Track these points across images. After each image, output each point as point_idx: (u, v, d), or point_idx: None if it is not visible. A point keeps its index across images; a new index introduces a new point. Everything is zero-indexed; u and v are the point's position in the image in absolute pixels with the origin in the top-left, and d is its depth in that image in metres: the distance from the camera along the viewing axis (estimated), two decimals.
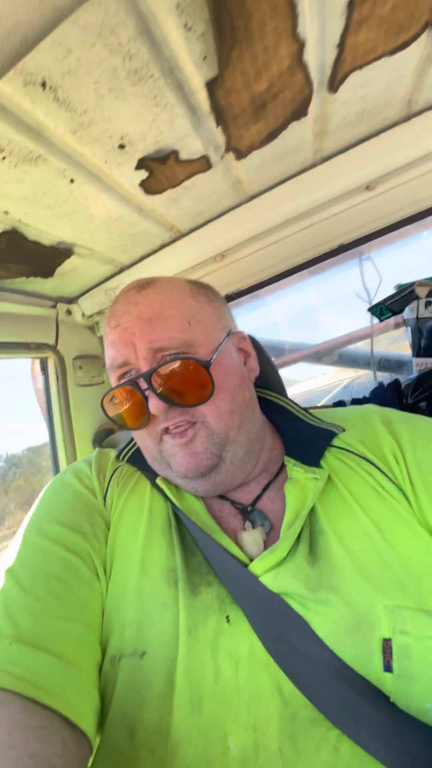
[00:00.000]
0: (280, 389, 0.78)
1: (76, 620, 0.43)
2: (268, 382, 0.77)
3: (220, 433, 0.51)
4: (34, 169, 0.50)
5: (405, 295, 0.89)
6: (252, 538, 0.49)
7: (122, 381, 0.52)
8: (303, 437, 0.59)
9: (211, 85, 0.47)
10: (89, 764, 0.39)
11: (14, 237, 0.63)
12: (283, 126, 0.60)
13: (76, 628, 0.43)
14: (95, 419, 0.97)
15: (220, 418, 0.51)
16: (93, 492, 0.55)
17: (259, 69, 0.47)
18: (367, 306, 0.94)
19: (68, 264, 0.78)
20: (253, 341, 0.81)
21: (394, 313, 0.90)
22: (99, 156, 0.52)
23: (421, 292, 0.93)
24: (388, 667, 0.38)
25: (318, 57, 0.49)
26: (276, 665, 0.40)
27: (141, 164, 0.56)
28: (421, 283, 0.97)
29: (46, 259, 0.72)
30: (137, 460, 0.60)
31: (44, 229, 0.64)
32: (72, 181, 0.55)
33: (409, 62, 0.56)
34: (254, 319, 1.04)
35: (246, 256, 0.87)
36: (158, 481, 0.55)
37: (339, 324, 0.99)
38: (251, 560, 0.46)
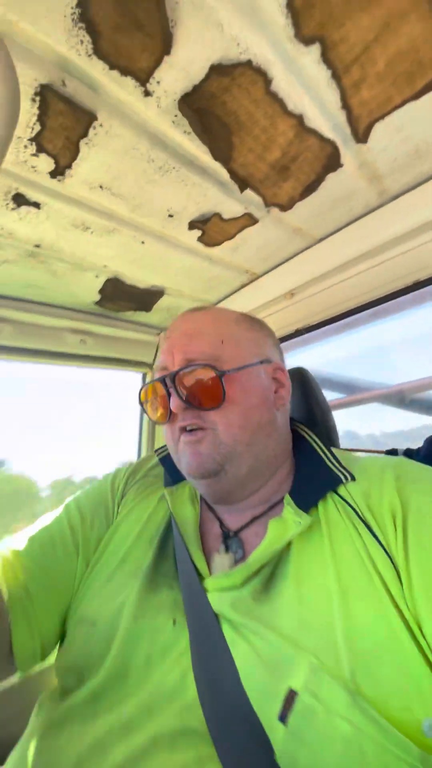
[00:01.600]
0: (326, 427, 0.78)
1: (56, 574, 0.57)
2: (312, 417, 0.79)
3: (226, 443, 0.54)
4: (113, 237, 0.71)
5: None
6: (220, 560, 0.53)
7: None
8: (311, 478, 0.57)
9: (227, 164, 0.59)
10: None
11: (116, 282, 0.87)
12: (319, 179, 0.65)
13: (53, 581, 0.56)
14: None
15: (228, 429, 0.54)
16: (114, 494, 0.67)
17: (264, 144, 0.56)
18: None
19: (163, 301, 0.99)
20: (306, 376, 0.83)
21: None
22: (156, 224, 0.70)
23: None
24: (282, 718, 0.36)
25: (326, 121, 0.54)
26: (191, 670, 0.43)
27: (191, 226, 0.72)
28: None
29: (144, 298, 0.95)
30: (167, 459, 0.68)
31: (136, 277, 0.86)
32: (143, 242, 0.74)
33: None
34: (327, 353, 1.02)
35: (315, 293, 0.91)
36: (166, 491, 0.63)
37: (422, 366, 0.87)
38: None
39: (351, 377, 1.00)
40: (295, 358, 1.04)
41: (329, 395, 0.95)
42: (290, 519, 0.50)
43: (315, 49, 0.45)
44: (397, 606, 0.40)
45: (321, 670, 0.37)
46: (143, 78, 0.45)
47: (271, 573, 0.47)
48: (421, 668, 0.36)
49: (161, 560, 0.55)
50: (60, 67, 0.43)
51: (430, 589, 0.39)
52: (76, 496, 0.68)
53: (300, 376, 0.82)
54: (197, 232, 0.74)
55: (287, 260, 0.89)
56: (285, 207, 0.71)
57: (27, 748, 0.44)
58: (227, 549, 0.55)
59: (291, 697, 0.37)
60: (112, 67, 0.43)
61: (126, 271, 0.83)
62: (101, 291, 0.89)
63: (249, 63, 0.45)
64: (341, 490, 0.53)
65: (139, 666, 0.45)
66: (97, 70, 0.44)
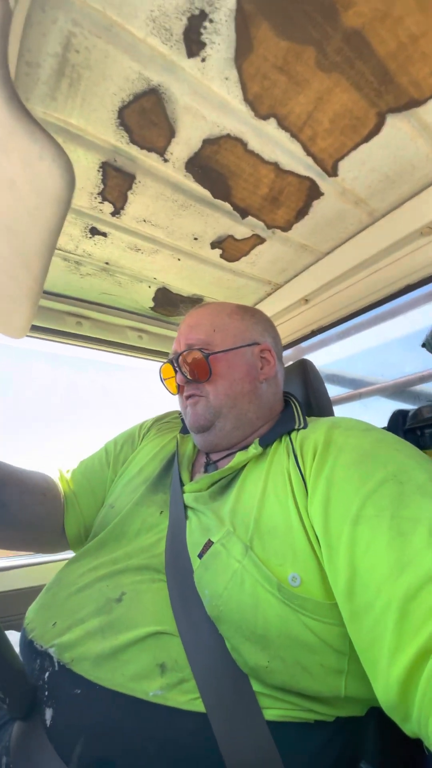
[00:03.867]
0: (323, 411, 0.92)
1: (94, 480, 0.83)
2: (308, 404, 0.93)
3: (215, 406, 0.73)
4: (157, 256, 0.98)
5: None
6: (199, 477, 0.73)
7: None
8: (279, 428, 0.72)
9: (227, 199, 0.81)
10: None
11: (165, 291, 1.14)
12: (307, 206, 0.83)
13: (92, 485, 0.82)
14: None
15: (216, 396, 0.72)
16: (141, 430, 0.92)
17: (254, 183, 0.77)
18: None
19: None
20: (307, 367, 0.99)
21: None
22: (186, 245, 0.94)
23: None
24: (200, 555, 0.55)
25: (297, 164, 0.73)
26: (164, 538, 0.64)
27: (213, 246, 0.95)
28: None
29: (187, 304, 1.20)
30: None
31: (179, 286, 1.12)
32: (179, 259, 0.99)
33: (396, 138, 0.69)
34: (340, 353, 1.13)
35: (325, 299, 1.05)
36: (178, 435, 0.86)
37: (421, 362, 0.92)
38: None
39: (359, 374, 1.10)
40: (312, 355, 1.18)
41: (339, 390, 1.07)
42: (251, 450, 0.67)
43: (272, 121, 0.65)
44: (297, 506, 0.54)
45: (232, 534, 0.54)
46: (161, 152, 0.70)
47: (227, 483, 0.65)
48: (301, 544, 0.51)
49: (164, 475, 0.75)
50: (112, 150, 0.70)
51: (323, 496, 0.52)
52: (120, 432, 0.94)
53: (302, 367, 0.97)
54: (219, 251, 0.97)
55: (302, 272, 1.06)
56: (285, 228, 0.90)
57: (56, 576, 0.68)
58: (206, 471, 0.73)
59: (209, 544, 0.55)
60: (141, 148, 0.69)
61: (171, 282, 1.09)
62: (154, 298, 1.17)
63: (228, 135, 0.67)
64: (293, 435, 0.67)
65: (132, 533, 0.66)
66: (134, 150, 0.70)
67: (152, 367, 1.35)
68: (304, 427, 0.68)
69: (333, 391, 1.06)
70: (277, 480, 0.59)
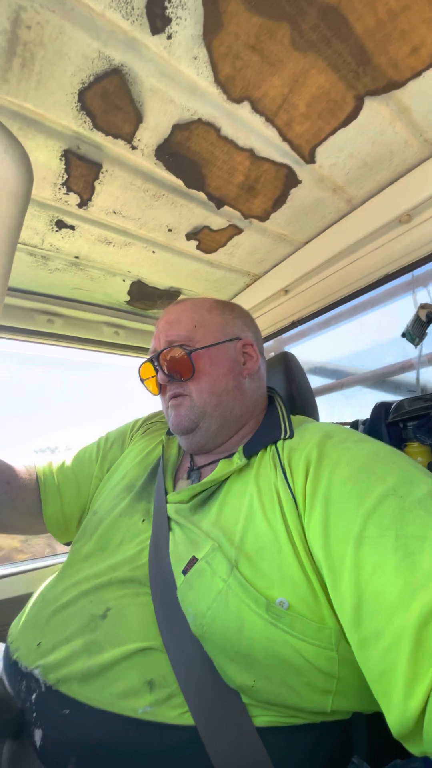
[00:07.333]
0: (306, 406, 0.91)
1: (81, 473, 0.83)
2: (291, 396, 0.92)
3: (199, 406, 0.69)
4: (130, 248, 0.93)
5: (416, 319, 0.77)
6: (181, 485, 0.71)
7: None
8: (264, 434, 0.69)
9: (201, 189, 0.77)
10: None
11: (140, 285, 1.09)
12: (284, 194, 0.80)
13: (78, 477, 0.82)
14: None
15: (200, 395, 0.69)
16: (133, 430, 0.91)
17: (228, 172, 0.73)
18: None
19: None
20: (289, 359, 0.97)
21: (421, 338, 0.80)
22: (161, 237, 0.90)
23: (423, 314, 0.76)
24: (184, 572, 0.53)
25: (273, 151, 0.70)
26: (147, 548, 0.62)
27: (188, 237, 0.90)
28: (423, 306, 0.79)
29: (164, 297, 1.16)
30: None
31: (155, 280, 1.07)
32: (153, 252, 0.95)
33: (375, 122, 0.66)
34: (321, 345, 1.13)
35: (305, 289, 1.03)
36: (164, 437, 0.83)
37: (401, 352, 0.92)
38: None
39: (340, 364, 1.10)
40: (293, 346, 1.16)
41: (321, 380, 1.07)
42: (235, 461, 0.64)
43: (246, 105, 0.61)
44: (287, 527, 0.51)
45: (217, 550, 0.53)
46: (128, 138, 0.65)
47: (208, 495, 0.63)
48: (290, 568, 0.48)
49: (149, 482, 0.73)
50: (74, 137, 0.65)
51: (322, 516, 0.49)
52: (115, 429, 0.93)
53: (284, 360, 0.95)
54: (195, 242, 0.93)
55: (280, 262, 1.04)
56: (262, 218, 0.86)
57: (39, 593, 0.65)
58: (189, 478, 0.71)
59: (193, 561, 0.53)
60: (107, 134, 0.64)
61: (146, 275, 1.05)
62: (129, 292, 1.12)
63: (200, 120, 0.63)
64: (279, 444, 0.64)
65: (115, 544, 0.64)
66: (99, 137, 0.65)
67: (130, 363, 1.31)
68: (291, 437, 0.65)
69: (314, 381, 1.06)
70: (265, 496, 0.56)
